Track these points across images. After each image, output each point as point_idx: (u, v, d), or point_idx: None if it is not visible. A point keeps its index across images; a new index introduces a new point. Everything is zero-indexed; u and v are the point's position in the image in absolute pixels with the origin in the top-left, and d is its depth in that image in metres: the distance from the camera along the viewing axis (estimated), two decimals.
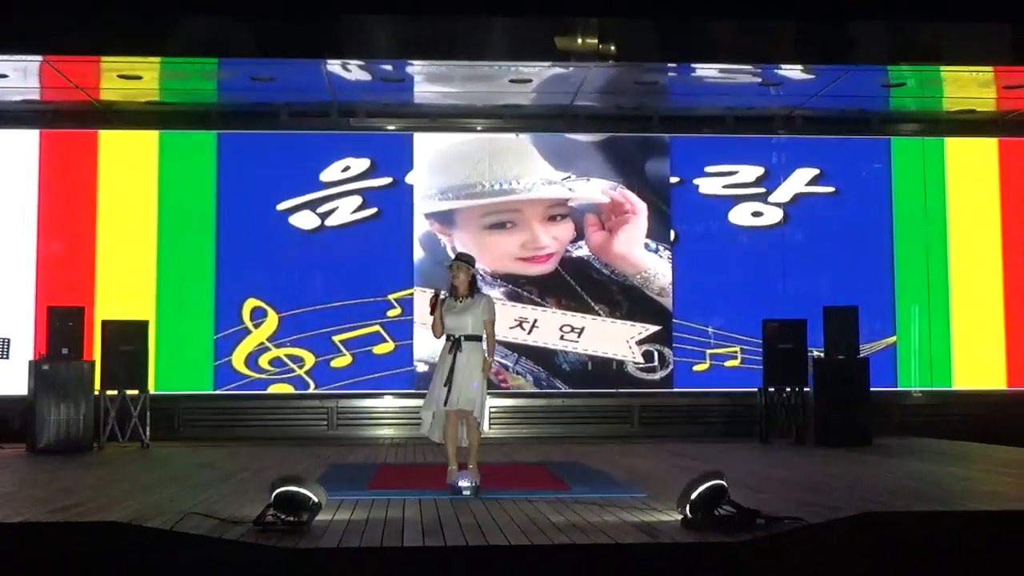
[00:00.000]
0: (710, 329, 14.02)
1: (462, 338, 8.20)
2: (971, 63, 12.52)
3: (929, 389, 14.13)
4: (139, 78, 12.56)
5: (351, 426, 13.58)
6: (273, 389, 13.57)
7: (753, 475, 9.18)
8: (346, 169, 13.85)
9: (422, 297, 13.45)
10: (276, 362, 13.59)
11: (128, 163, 13.66)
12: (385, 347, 13.65)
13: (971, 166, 14.42)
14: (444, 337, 8.28)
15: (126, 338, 12.24)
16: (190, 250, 13.61)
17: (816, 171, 14.32)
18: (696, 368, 14.00)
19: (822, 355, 12.57)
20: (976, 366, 14.18)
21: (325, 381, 13.59)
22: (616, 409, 13.92)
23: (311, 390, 13.59)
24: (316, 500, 6.56)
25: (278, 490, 6.54)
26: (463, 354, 8.16)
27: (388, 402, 13.67)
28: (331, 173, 13.83)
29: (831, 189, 14.33)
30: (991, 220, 14.38)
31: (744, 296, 14.00)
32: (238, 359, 13.54)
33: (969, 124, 14.37)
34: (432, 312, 8.24)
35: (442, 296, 8.31)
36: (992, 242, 14.35)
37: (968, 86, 13.21)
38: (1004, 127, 14.42)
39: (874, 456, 11.00)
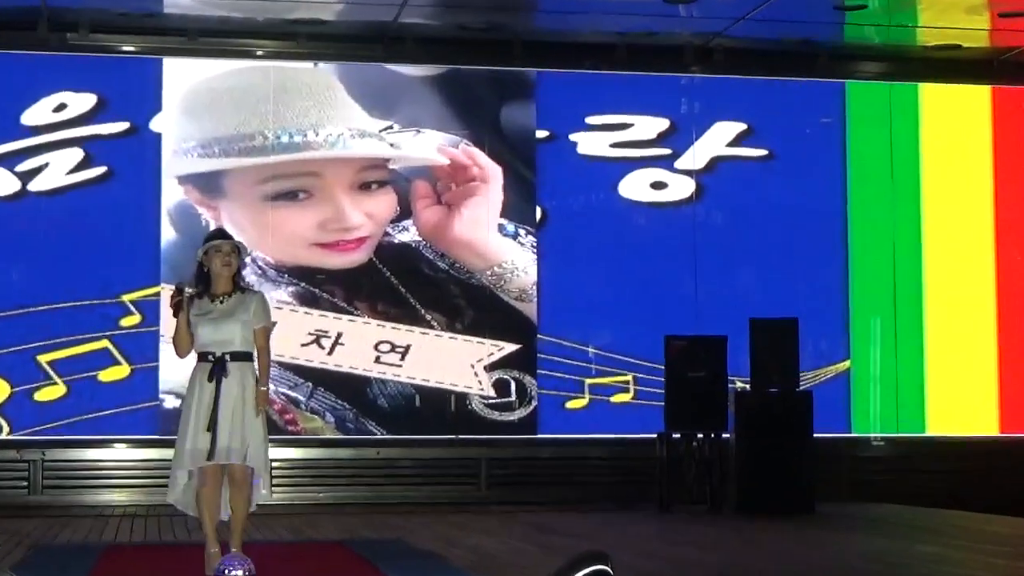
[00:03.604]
0: (591, 349, 14.12)
1: (227, 357, 8.00)
2: None
3: (894, 436, 14.50)
4: None
5: (64, 488, 13.34)
6: None
7: (651, 556, 9.25)
8: (60, 108, 13.58)
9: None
10: None
11: None
12: (117, 372, 13.42)
13: (954, 123, 14.83)
14: (194, 356, 8.08)
15: None
16: None
17: (742, 126, 14.56)
18: (570, 405, 14.08)
19: (747, 387, 12.74)
20: (958, 404, 14.59)
21: (26, 422, 13.31)
22: (456, 463, 13.92)
23: (4, 435, 13.28)
24: None
25: None
26: (231, 381, 7.96)
27: (120, 453, 13.45)
28: (37, 114, 13.54)
29: (762, 152, 14.59)
30: (981, 199, 14.83)
31: (640, 302, 14.16)
32: None
33: (952, 65, 14.76)
34: (175, 316, 7.99)
35: (188, 292, 8.05)
36: (982, 229, 14.80)
37: (951, 12, 13.55)
38: (1000, 70, 14.86)
39: (818, 529, 11.21)
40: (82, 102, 13.62)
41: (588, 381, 14.09)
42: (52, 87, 13.57)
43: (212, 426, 7.87)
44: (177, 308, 7.94)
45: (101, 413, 13.37)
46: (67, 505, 13.12)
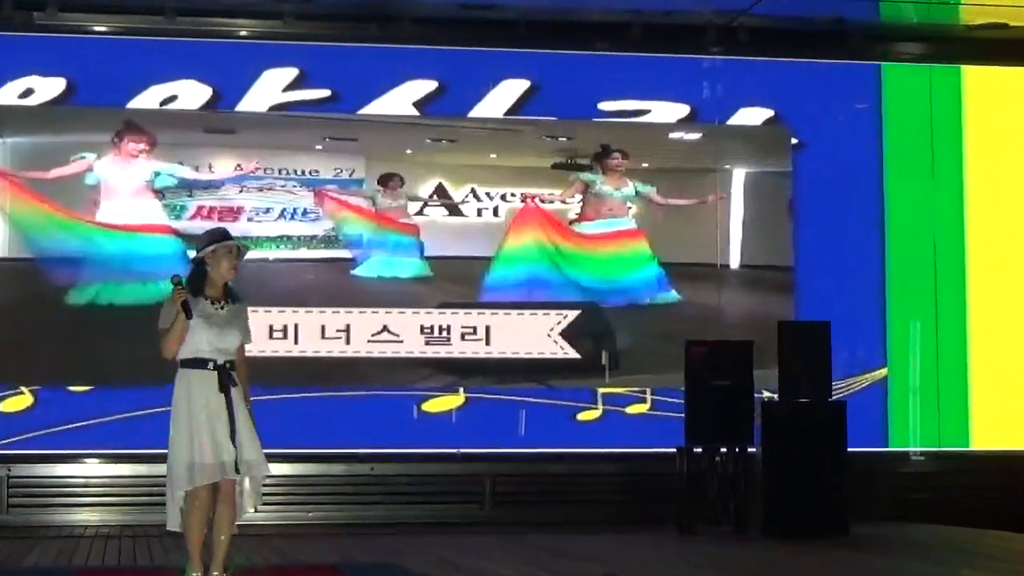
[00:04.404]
0: (603, 355, 14.07)
1: (227, 365, 7.97)
2: None
3: (935, 450, 14.45)
4: None
5: (32, 507, 13.36)
6: None
7: None
8: (27, 94, 13.61)
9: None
10: None
11: None
12: None
13: (1000, 108, 14.81)
14: (178, 360, 7.99)
15: None
16: None
17: (769, 112, 14.53)
18: (581, 417, 14.04)
19: (776, 397, 12.68)
20: (1005, 415, 14.55)
21: None
22: (457, 481, 13.91)
23: None
24: None
25: None
26: (237, 391, 7.95)
27: (92, 468, 13.47)
28: (2, 100, 13.56)
29: (791, 140, 14.53)
30: None
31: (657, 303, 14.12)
32: None
33: (998, 45, 14.75)
34: (186, 314, 7.87)
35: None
36: None
37: None
38: None
39: (852, 551, 11.18)
40: (50, 87, 13.62)
41: (601, 390, 14.04)
42: (18, 71, 13.62)
43: (233, 438, 7.87)
44: (185, 304, 7.84)
45: (71, 426, 13.35)
46: (34, 525, 13.13)
